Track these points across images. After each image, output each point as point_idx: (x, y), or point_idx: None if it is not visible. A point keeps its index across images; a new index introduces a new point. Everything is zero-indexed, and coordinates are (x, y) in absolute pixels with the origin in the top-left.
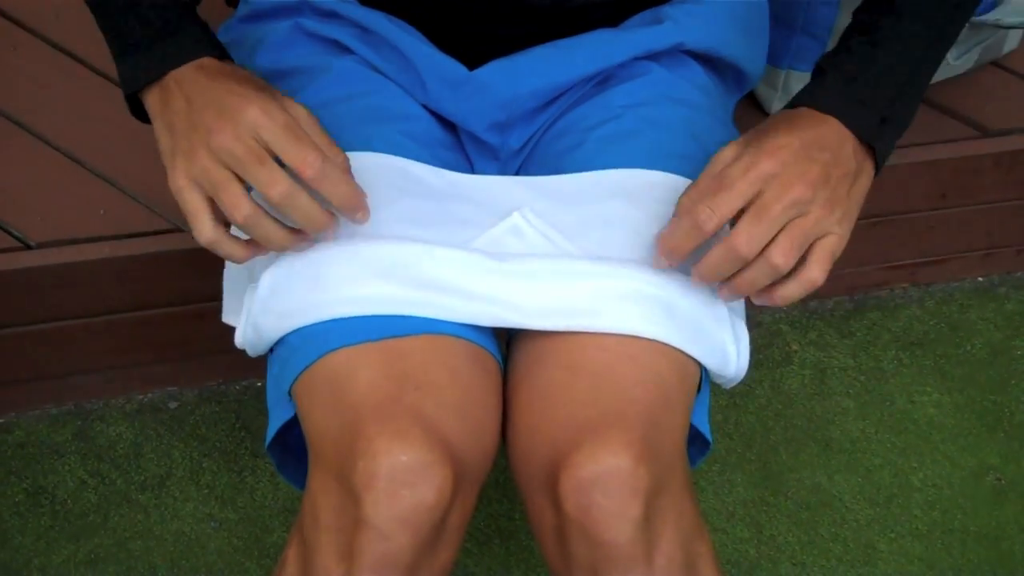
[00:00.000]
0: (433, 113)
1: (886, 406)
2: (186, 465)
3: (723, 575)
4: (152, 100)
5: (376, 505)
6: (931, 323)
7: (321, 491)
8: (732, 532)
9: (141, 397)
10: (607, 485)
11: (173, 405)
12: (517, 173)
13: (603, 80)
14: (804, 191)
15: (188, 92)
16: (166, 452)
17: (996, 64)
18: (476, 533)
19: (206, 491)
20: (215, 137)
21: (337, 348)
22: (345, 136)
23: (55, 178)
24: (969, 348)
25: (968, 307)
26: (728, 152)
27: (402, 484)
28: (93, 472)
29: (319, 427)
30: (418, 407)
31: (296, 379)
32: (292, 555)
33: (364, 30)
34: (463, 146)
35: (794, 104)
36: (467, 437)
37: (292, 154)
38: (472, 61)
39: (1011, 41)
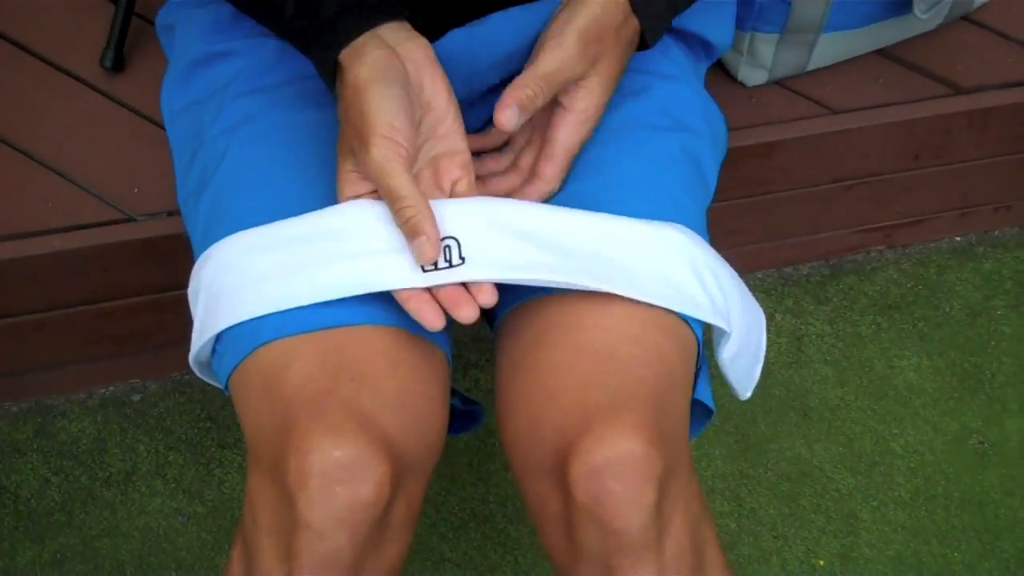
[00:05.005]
0: None
1: (865, 372)
2: (152, 459)
3: (727, 559)
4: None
5: (311, 504)
6: (908, 285)
7: (258, 491)
8: (712, 506)
9: (103, 391)
10: (620, 471)
11: (136, 398)
12: None
13: None
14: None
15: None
16: (131, 446)
17: (967, 19)
18: (451, 518)
19: (173, 485)
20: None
21: (270, 340)
22: (296, 118)
23: (1, 170)
24: (947, 310)
25: (946, 268)
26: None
27: (336, 481)
28: (56, 470)
29: (253, 425)
30: (353, 400)
31: (230, 375)
32: (237, 556)
33: None
34: None
35: None
36: (408, 430)
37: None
38: (429, 33)
39: None
